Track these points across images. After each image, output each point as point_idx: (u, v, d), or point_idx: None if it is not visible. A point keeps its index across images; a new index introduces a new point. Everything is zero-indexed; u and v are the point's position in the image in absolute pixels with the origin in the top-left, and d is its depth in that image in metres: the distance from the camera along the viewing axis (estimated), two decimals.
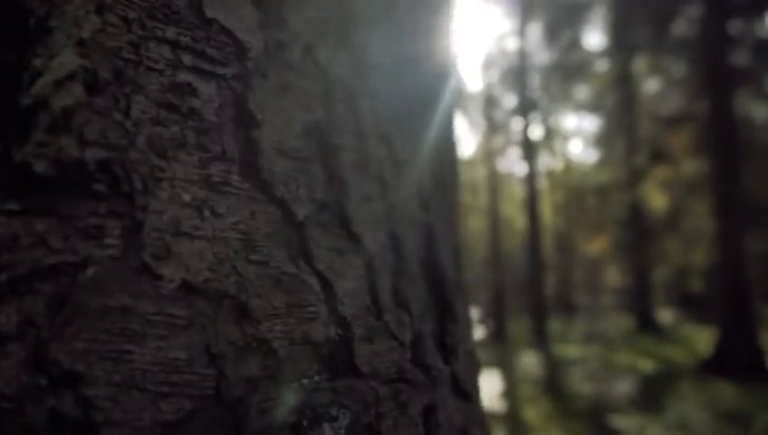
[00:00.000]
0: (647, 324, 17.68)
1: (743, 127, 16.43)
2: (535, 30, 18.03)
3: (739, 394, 9.63)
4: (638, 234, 18.27)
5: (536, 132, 24.96)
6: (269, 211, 0.43)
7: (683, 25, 14.89)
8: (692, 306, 18.93)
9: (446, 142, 0.68)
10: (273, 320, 0.41)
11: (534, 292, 14.42)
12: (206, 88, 0.40)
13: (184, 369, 0.36)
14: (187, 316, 0.37)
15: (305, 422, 0.41)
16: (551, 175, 26.31)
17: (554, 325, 17.98)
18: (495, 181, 17.73)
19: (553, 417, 8.83)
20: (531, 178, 15.33)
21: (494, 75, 21.65)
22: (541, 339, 13.86)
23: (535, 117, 22.58)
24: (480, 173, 22.95)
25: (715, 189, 12.00)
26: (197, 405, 0.36)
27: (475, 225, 26.52)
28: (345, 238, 0.48)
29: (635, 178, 17.19)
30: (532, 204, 15.32)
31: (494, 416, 8.42)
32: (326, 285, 0.46)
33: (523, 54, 16.46)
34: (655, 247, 18.81)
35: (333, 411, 0.43)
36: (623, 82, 17.54)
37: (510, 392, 9.99)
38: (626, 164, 18.03)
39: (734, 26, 13.34)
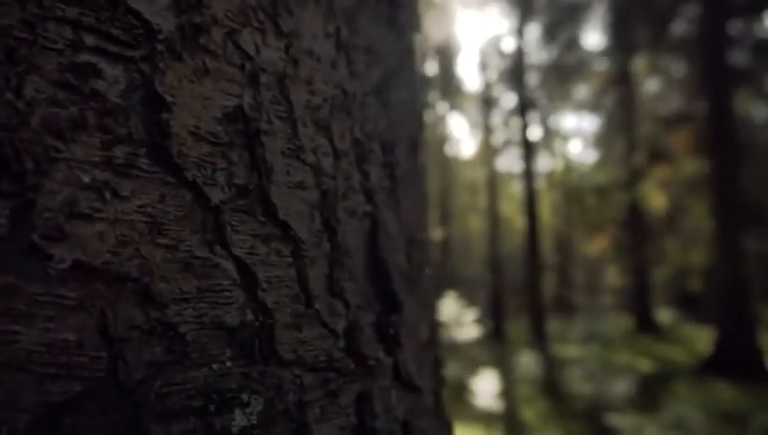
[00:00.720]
0: (646, 324, 17.67)
1: (742, 127, 16.40)
2: (534, 30, 18.03)
3: (737, 394, 9.61)
4: (638, 234, 18.26)
5: (535, 132, 24.99)
6: (180, 195, 0.42)
7: (682, 25, 14.87)
8: (691, 306, 18.91)
9: (403, 134, 0.66)
10: (181, 304, 0.41)
11: (533, 291, 14.42)
12: (111, 69, 0.40)
13: (73, 351, 0.35)
14: (77, 298, 0.36)
15: (212, 407, 0.41)
16: (550, 175, 26.30)
17: (553, 325, 17.97)
18: (494, 181, 17.71)
19: (551, 416, 8.83)
20: (529, 178, 15.33)
21: (493, 75, 21.64)
22: (539, 339, 13.86)
23: (534, 117, 22.57)
24: (479, 173, 22.95)
25: (714, 189, 11.99)
26: (88, 387, 0.36)
27: (475, 225, 26.52)
28: (270, 225, 0.47)
29: (634, 178, 17.17)
30: (530, 204, 15.31)
31: (492, 415, 8.43)
32: (245, 270, 0.45)
33: (521, 54, 16.45)
34: (654, 247, 18.79)
35: (244, 397, 0.43)
36: (622, 82, 17.53)
37: (508, 392, 9.99)
38: (625, 164, 18.02)
39: (733, 26, 13.31)
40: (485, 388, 8.87)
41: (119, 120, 0.40)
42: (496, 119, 21.92)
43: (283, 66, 0.50)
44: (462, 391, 9.46)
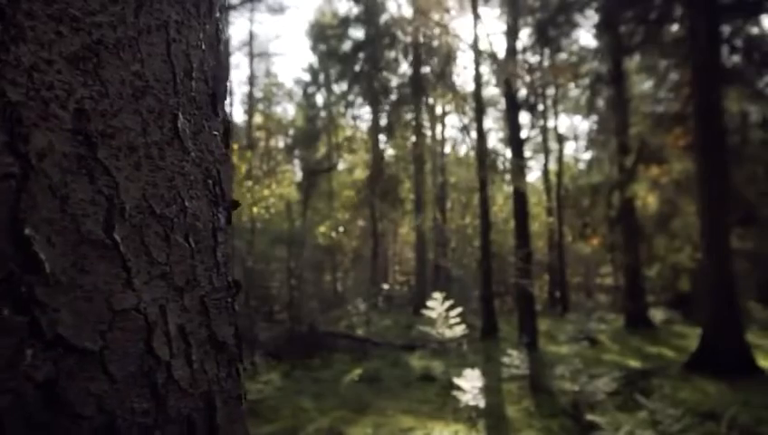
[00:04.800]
0: (637, 323, 17.69)
1: (733, 126, 16.38)
2: (527, 30, 18.08)
3: (720, 391, 9.65)
4: (631, 233, 18.28)
5: (529, 133, 25.00)
6: None
7: (674, 25, 14.86)
8: (684, 305, 18.94)
9: (138, 108, 0.65)
10: None
11: (524, 290, 14.43)
12: None
13: None
14: None
15: None
16: (544, 175, 26.36)
17: (546, 324, 18.00)
18: (487, 180, 17.72)
19: (534, 414, 8.87)
20: (521, 178, 15.35)
21: (488, 75, 21.68)
22: (530, 337, 13.87)
23: (528, 117, 22.61)
24: (474, 173, 22.95)
25: (702, 188, 12.01)
26: None
27: (470, 224, 26.53)
28: None
29: (626, 178, 17.20)
30: (520, 203, 15.35)
31: (476, 412, 8.48)
32: None
33: (514, 54, 16.49)
34: (646, 247, 18.81)
35: None
36: (614, 82, 17.56)
37: (494, 389, 10.04)
38: (617, 164, 18.04)
39: (724, 26, 13.31)
40: (471, 385, 8.90)
41: None
42: (490, 119, 21.95)
43: None
44: (448, 388, 9.50)
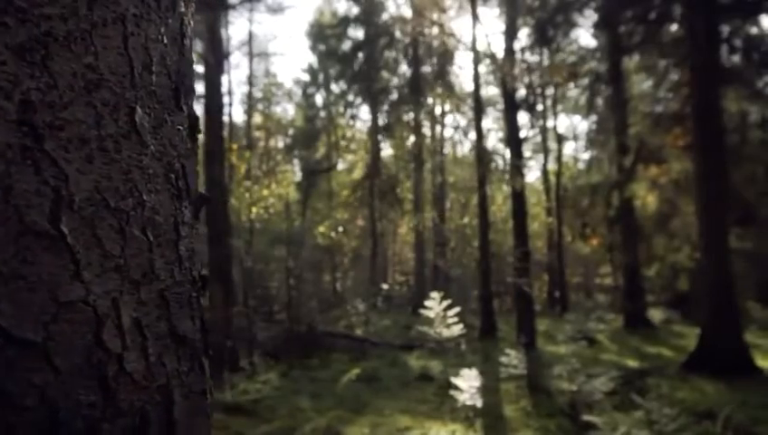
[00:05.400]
0: (636, 323, 17.69)
1: (736, 127, 16.37)
2: (526, 29, 18.07)
3: (717, 391, 9.65)
4: (630, 233, 18.27)
5: (528, 132, 25.00)
6: None
7: (673, 25, 14.85)
8: (683, 305, 18.92)
9: (92, 100, 0.65)
10: None
11: (523, 290, 14.42)
12: None
13: None
14: None
15: None
16: (544, 174, 26.38)
17: (545, 324, 17.99)
18: (486, 179, 17.72)
19: (532, 414, 8.87)
20: (519, 177, 15.35)
21: (485, 75, 21.67)
22: (530, 336, 13.87)
23: (528, 116, 22.59)
24: (474, 173, 22.95)
25: (700, 188, 12.00)
26: None
27: (470, 225, 26.53)
28: None
29: (625, 177, 17.19)
30: (518, 203, 15.35)
31: (474, 412, 8.48)
32: None
33: (512, 53, 16.48)
34: (646, 246, 18.80)
35: None
36: (612, 82, 17.55)
37: (492, 389, 10.03)
38: (616, 164, 18.04)
39: (723, 26, 13.30)
40: (469, 385, 8.89)
41: None
42: (490, 119, 21.91)
43: None
44: (446, 388, 9.50)
